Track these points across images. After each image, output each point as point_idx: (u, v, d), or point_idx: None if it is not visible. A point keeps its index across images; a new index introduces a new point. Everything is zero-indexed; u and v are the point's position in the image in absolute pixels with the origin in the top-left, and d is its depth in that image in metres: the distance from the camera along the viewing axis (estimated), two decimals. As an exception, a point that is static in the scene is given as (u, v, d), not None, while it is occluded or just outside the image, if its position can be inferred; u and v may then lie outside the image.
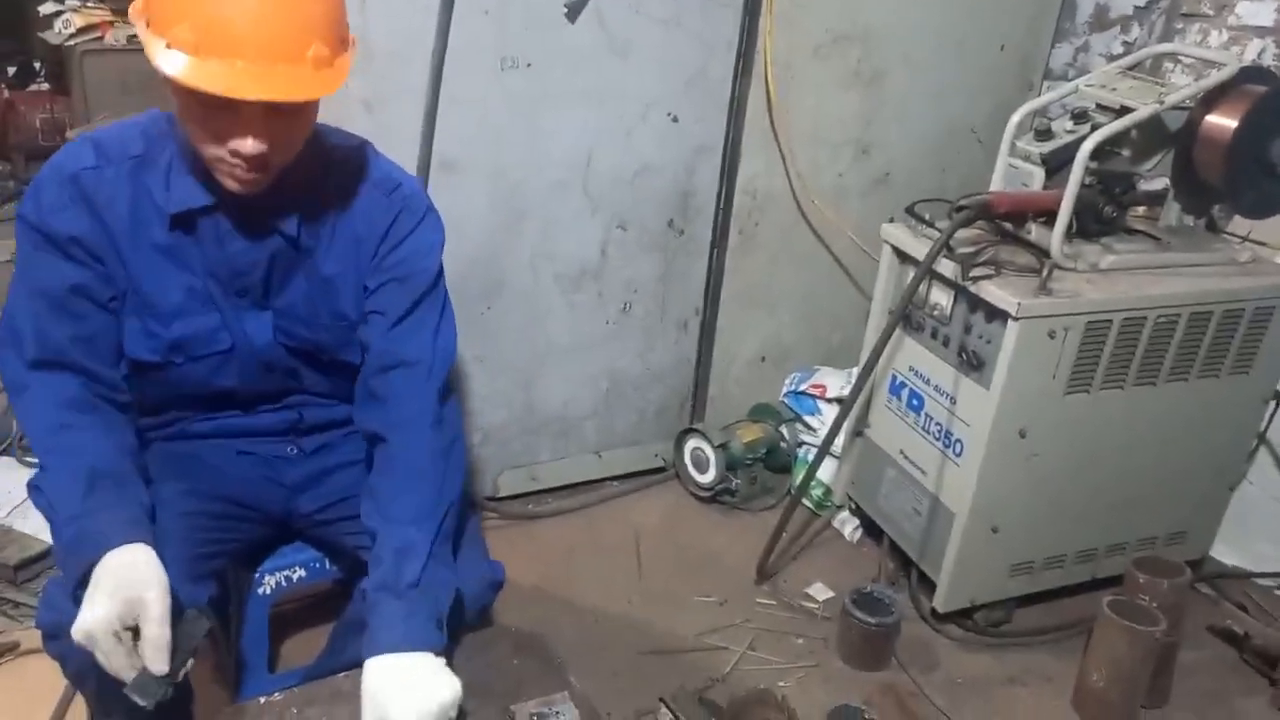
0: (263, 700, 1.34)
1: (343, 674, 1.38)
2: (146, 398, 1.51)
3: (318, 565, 1.76)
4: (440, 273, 1.53)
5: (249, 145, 1.27)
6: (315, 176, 1.43)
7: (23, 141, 4.59)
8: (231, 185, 1.33)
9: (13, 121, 4.57)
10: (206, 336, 1.47)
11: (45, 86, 4.87)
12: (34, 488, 1.36)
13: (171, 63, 1.21)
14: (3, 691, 1.63)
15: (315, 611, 2.12)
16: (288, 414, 1.61)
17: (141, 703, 1.19)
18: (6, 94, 4.67)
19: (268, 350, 1.51)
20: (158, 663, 1.19)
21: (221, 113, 1.24)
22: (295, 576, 1.75)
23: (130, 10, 1.31)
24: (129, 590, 1.20)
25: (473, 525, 1.63)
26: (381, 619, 1.29)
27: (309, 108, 1.33)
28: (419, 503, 1.40)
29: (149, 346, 1.45)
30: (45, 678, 1.68)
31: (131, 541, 1.25)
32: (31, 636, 1.74)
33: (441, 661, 1.28)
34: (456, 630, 1.42)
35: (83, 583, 1.22)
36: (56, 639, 1.31)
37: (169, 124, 1.40)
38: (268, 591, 1.72)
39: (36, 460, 1.36)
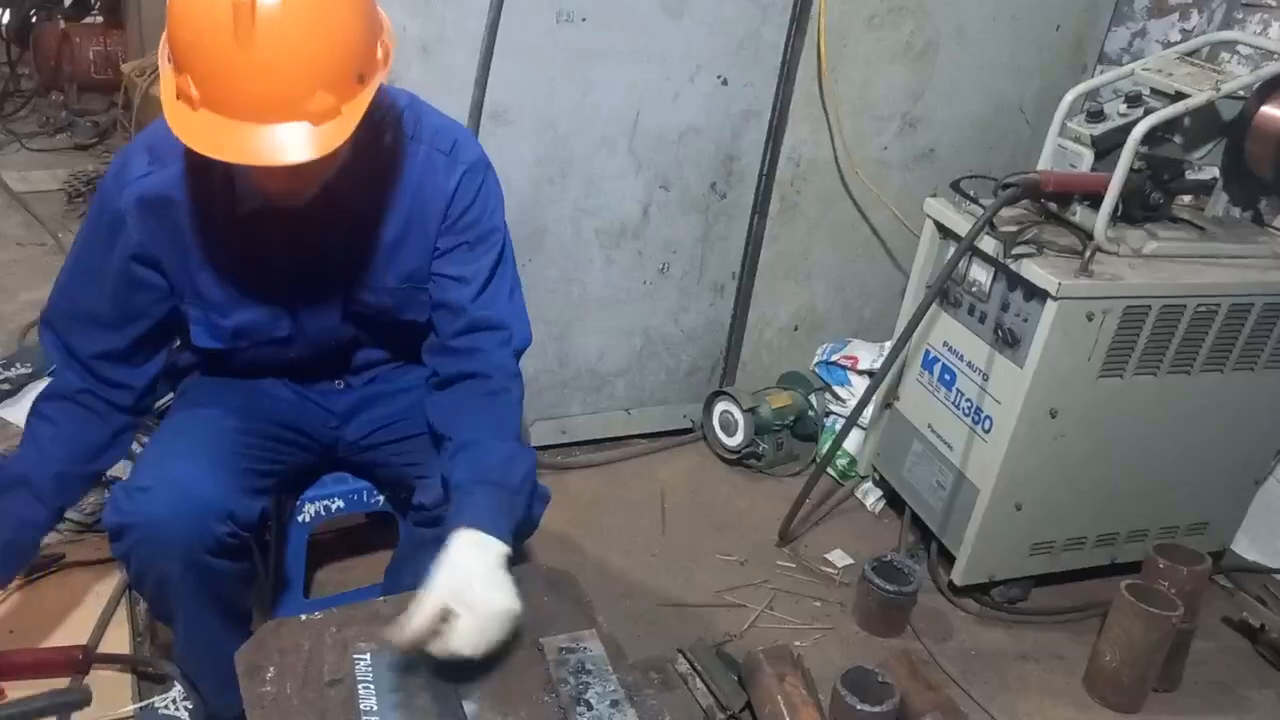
0: (304, 618, 1.38)
1: (381, 598, 1.44)
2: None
3: (355, 497, 1.81)
4: (506, 230, 1.55)
5: (271, 187, 1.24)
6: (371, 149, 1.37)
7: (76, 73, 4.65)
8: (275, 200, 1.31)
9: (67, 53, 4.64)
10: (267, 324, 1.49)
11: (99, 20, 4.92)
12: None
13: (173, 113, 1.15)
14: (50, 601, 1.70)
15: (346, 544, 2.20)
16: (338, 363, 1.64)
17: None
18: (62, 25, 4.73)
19: (335, 329, 1.55)
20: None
21: None
22: (334, 507, 1.80)
23: (160, 49, 1.21)
24: None
25: None
26: (485, 508, 1.32)
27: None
28: (515, 426, 1.46)
29: (212, 336, 1.48)
30: (89, 588, 1.75)
31: None
32: (76, 550, 1.80)
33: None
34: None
35: None
36: (120, 540, 1.36)
37: None
38: (307, 519, 1.78)
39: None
